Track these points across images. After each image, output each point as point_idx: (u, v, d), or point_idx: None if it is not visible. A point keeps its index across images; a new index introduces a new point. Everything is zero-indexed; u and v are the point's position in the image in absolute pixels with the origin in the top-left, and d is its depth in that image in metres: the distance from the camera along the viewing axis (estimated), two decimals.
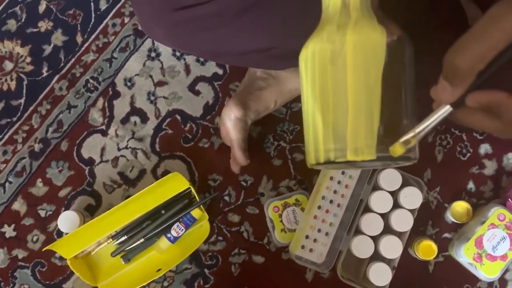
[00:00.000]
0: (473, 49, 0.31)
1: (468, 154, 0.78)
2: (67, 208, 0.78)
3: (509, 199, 0.72)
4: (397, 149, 0.37)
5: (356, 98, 0.38)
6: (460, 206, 0.74)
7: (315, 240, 0.70)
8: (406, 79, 0.40)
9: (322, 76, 0.40)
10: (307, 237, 0.70)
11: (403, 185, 0.71)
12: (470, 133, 0.78)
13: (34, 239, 0.78)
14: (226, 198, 0.78)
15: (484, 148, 0.78)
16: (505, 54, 0.31)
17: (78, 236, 0.71)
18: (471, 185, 0.77)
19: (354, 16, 0.41)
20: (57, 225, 0.75)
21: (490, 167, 0.77)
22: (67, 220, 0.74)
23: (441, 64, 0.35)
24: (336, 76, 0.39)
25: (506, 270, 0.73)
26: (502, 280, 0.74)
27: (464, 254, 0.69)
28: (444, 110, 0.34)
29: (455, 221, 0.74)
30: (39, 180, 0.79)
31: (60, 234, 0.77)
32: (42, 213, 0.79)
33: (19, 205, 0.79)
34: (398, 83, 0.39)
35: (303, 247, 0.70)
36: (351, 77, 0.39)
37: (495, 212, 0.69)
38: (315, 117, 0.41)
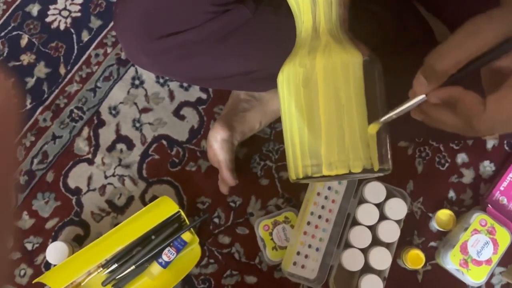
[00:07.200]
0: (450, 56, 0.36)
1: (447, 164, 0.81)
2: (54, 240, 0.77)
3: (489, 205, 0.75)
4: (372, 127, 0.42)
5: (328, 117, 0.42)
6: (444, 214, 0.76)
7: (306, 256, 0.71)
8: (377, 94, 0.44)
9: (296, 98, 0.43)
10: (298, 253, 0.71)
11: (387, 197, 0.73)
12: (446, 143, 0.82)
13: (22, 273, 0.76)
14: (216, 220, 0.79)
15: (461, 158, 0.81)
16: (476, 62, 0.36)
17: (67, 267, 0.70)
18: (451, 194, 0.80)
19: (324, 40, 0.44)
20: (44, 257, 0.74)
21: (468, 176, 0.80)
22: (55, 251, 0.73)
23: (411, 78, 0.39)
24: (309, 98, 0.42)
25: (492, 275, 0.76)
26: (489, 285, 0.76)
27: (450, 261, 0.71)
28: (419, 99, 0.39)
29: (440, 229, 0.76)
30: (25, 212, 0.78)
31: (48, 266, 0.76)
32: (29, 246, 0.77)
33: None
34: (369, 97, 0.43)
35: (295, 263, 0.71)
36: (322, 98, 0.42)
37: (477, 218, 0.72)
38: (293, 137, 0.44)
